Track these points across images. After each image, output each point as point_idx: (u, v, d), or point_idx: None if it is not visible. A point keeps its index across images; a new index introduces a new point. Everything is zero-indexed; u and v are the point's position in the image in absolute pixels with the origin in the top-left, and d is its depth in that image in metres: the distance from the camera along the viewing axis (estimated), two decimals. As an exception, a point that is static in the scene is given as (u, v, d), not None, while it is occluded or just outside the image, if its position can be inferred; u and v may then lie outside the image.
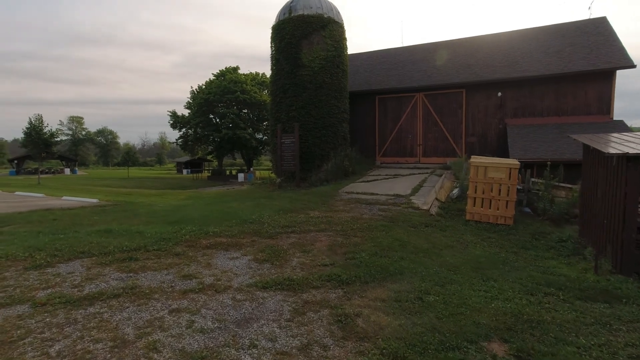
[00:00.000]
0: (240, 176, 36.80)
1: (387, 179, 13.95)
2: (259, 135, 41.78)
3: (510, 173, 8.45)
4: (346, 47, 15.78)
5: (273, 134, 15.62)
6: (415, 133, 16.93)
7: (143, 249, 5.36)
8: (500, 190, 8.59)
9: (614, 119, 13.65)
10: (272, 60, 15.62)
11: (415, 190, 11.69)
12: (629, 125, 13.38)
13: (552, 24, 17.35)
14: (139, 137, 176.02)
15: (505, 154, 14.30)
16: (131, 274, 4.33)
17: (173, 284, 4.03)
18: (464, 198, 10.61)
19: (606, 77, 13.51)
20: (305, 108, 14.51)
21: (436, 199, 10.48)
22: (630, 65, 13.26)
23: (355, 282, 4.31)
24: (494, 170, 8.63)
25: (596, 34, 15.26)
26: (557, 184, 10.48)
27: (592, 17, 16.63)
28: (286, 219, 7.93)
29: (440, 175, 13.78)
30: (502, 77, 14.88)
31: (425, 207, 9.65)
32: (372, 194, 11.58)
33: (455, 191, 11.22)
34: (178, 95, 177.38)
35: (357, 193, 11.75)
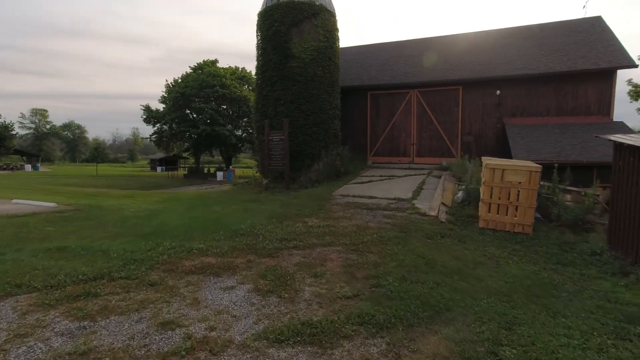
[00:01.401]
0: (219, 174, 35.07)
1: (383, 180, 13.01)
2: (239, 132, 40.11)
3: (530, 177, 7.64)
4: (338, 39, 14.70)
5: (259, 130, 14.34)
6: (409, 132, 16.09)
7: (106, 277, 4.07)
8: (518, 196, 7.78)
9: (614, 120, 13.27)
10: (257, 49, 14.32)
11: (417, 194, 10.80)
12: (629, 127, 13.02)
13: (546, 22, 16.93)
14: (110, 133, 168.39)
15: (504, 155, 13.67)
16: (86, 323, 3.06)
17: (147, 342, 2.81)
18: (470, 202, 9.80)
19: (607, 77, 13.10)
20: (295, 103, 13.33)
21: (442, 203, 9.60)
22: (632, 64, 12.89)
23: (396, 325, 3.25)
24: (513, 173, 7.80)
25: (593, 33, 14.90)
26: (567, 187, 9.85)
27: (587, 16, 16.32)
28: (283, 230, 6.76)
29: (439, 177, 12.98)
30: (501, 74, 14.25)
31: (432, 214, 8.75)
32: (371, 197, 10.60)
33: (460, 195, 10.40)
34: (155, 90, 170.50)
35: (354, 196, 10.73)
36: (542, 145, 12.37)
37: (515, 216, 7.80)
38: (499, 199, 7.91)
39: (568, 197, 9.97)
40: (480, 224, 8.09)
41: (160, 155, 59.24)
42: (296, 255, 5.28)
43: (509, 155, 13.51)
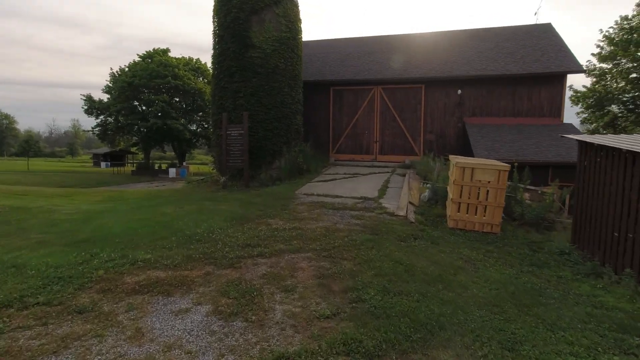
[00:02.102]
0: (172, 171, 32.94)
1: (347, 178, 12.62)
2: (193, 127, 38.02)
3: (499, 176, 7.57)
4: (301, 30, 14.06)
5: (216, 124, 13.32)
6: (372, 129, 15.87)
7: (16, 305, 3.14)
8: (487, 195, 7.68)
9: (564, 122, 13.97)
10: (214, 37, 13.27)
11: (383, 192, 10.52)
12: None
13: (502, 26, 17.55)
14: (46, 125, 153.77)
15: (464, 153, 13.87)
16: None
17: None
18: (437, 201, 9.68)
19: (558, 81, 13.73)
20: (256, 95, 12.50)
21: (410, 202, 9.36)
22: (580, 70, 13.62)
23: (388, 352, 2.73)
24: (482, 172, 7.69)
25: (544, 39, 15.60)
26: (527, 187, 10.06)
27: (538, 22, 17.12)
28: (245, 233, 6.04)
29: (403, 175, 12.85)
30: (461, 74, 14.44)
31: (401, 213, 8.46)
32: (336, 196, 10.14)
33: (427, 193, 10.26)
34: (100, 80, 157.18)
35: (319, 195, 10.21)
36: (501, 145, 12.67)
37: (484, 216, 7.70)
38: (469, 198, 7.77)
39: (527, 195, 10.19)
40: (449, 223, 7.92)
41: (105, 149, 54.83)
42: (262, 265, 4.62)
43: (469, 154, 13.72)
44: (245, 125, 11.70)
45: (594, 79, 23.11)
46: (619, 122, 22.14)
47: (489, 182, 7.65)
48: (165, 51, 36.78)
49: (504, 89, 14.29)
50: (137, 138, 38.26)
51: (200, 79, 38.17)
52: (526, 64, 14.15)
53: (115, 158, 50.90)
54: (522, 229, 8.35)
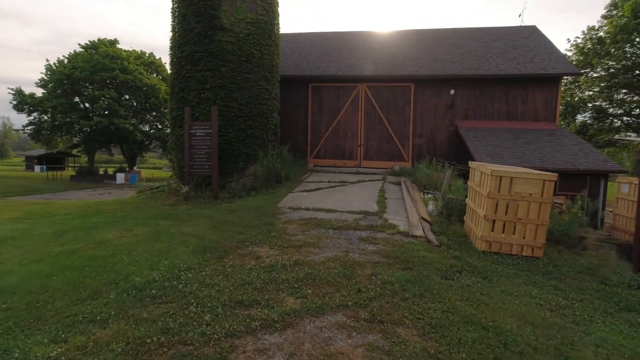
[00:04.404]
0: (120, 177, 29.14)
1: (334, 187, 10.81)
2: (146, 128, 34.31)
3: (544, 187, 6.14)
4: (279, 15, 12.10)
5: (175, 122, 10.93)
6: (355, 131, 14.22)
7: None
8: (528, 211, 6.22)
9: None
10: (173, 15, 10.92)
11: (383, 205, 8.83)
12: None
13: (486, 26, 16.79)
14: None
15: (459, 159, 12.65)
16: None
17: None
18: (449, 215, 8.16)
19: (553, 83, 12.95)
20: (226, 88, 10.33)
21: (422, 218, 7.74)
22: (575, 72, 12.95)
23: None
24: (523, 183, 6.21)
25: (534, 40, 14.94)
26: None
27: (522, 24, 16.53)
28: (228, 278, 3.99)
29: (397, 184, 11.28)
30: (454, 73, 13.24)
31: (418, 233, 6.80)
32: (329, 210, 8.30)
33: (431, 206, 8.73)
34: (39, 76, 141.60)
35: (307, 209, 8.31)
36: (502, 151, 11.52)
37: (524, 236, 6.23)
38: (506, 214, 6.27)
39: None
40: (480, 245, 6.36)
41: (40, 151, 48.64)
42: (274, 353, 2.63)
43: (464, 160, 12.50)
44: (215, 122, 9.49)
45: (563, 87, 23.40)
46: (587, 130, 22.46)
47: (530, 194, 6.19)
48: (113, 42, 32.82)
49: (497, 91, 13.29)
50: (78, 139, 33.77)
51: (154, 75, 34.63)
52: (520, 65, 13.27)
53: (53, 161, 45.21)
54: (555, 248, 7.01)
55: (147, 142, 34.69)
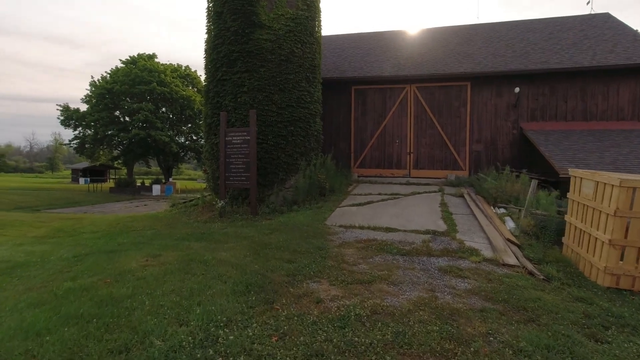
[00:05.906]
0: (156, 188, 29.23)
1: (386, 200, 9.44)
2: (181, 139, 34.56)
3: (696, 202, 4.48)
4: (320, 10, 11.06)
5: (210, 129, 10.06)
6: (404, 137, 12.79)
7: None
8: (671, 235, 4.57)
9: (648, 126, 11.12)
10: (208, 15, 10.16)
11: (452, 223, 7.33)
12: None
13: (549, 17, 14.93)
14: (25, 138, 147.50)
15: (525, 167, 10.91)
16: None
17: None
18: (538, 235, 6.57)
19: (641, 75, 10.95)
20: (264, 90, 9.34)
21: (508, 240, 6.20)
22: (672, 61, 10.87)
23: None
24: (664, 196, 4.58)
25: (610, 28, 12.95)
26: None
27: (593, 12, 14.55)
28: (286, 342, 2.76)
29: (459, 196, 9.72)
30: (519, 68, 11.55)
31: (511, 261, 5.31)
32: (388, 229, 6.94)
33: (511, 224, 7.15)
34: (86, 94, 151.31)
35: (362, 228, 7.01)
36: (585, 155, 9.69)
37: (667, 270, 4.56)
38: (638, 238, 4.65)
39: None
40: (604, 281, 4.74)
41: (84, 164, 50.76)
42: None
43: (531, 167, 10.76)
44: (253, 128, 8.47)
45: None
46: None
47: (673, 212, 4.55)
48: (151, 56, 33.54)
49: (571, 87, 11.43)
50: (118, 151, 34.59)
51: (190, 87, 34.98)
52: (598, 55, 11.37)
53: (96, 173, 46.96)
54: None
55: (183, 153, 34.90)
